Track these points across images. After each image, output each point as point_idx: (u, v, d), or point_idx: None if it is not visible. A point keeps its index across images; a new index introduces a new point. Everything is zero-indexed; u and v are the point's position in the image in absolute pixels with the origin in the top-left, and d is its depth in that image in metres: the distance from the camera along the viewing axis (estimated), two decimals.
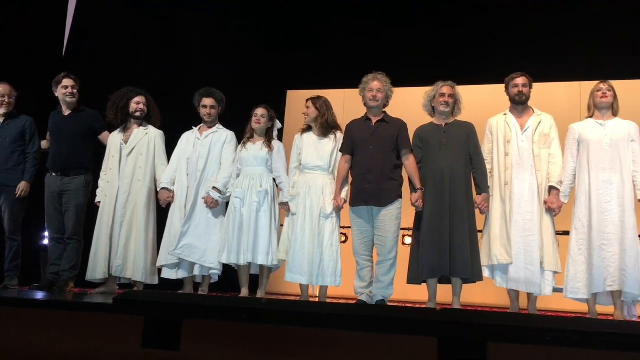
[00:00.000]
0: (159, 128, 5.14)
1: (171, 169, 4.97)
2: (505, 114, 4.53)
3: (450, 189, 4.24)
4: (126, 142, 4.98)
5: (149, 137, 5.02)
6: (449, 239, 4.17)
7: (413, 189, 4.34)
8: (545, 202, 4.32)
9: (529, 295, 4.37)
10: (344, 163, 4.48)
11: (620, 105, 4.42)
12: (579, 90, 6.52)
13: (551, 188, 4.34)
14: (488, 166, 4.46)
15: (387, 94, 4.49)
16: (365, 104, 4.52)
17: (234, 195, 4.73)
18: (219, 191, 4.80)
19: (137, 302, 3.11)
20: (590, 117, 4.41)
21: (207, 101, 5.01)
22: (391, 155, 4.36)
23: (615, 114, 4.36)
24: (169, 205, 4.93)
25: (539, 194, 4.32)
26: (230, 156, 4.91)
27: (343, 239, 7.06)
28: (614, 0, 6.60)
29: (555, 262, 4.28)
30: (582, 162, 4.29)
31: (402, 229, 6.77)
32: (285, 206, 4.67)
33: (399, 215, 4.38)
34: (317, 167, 4.59)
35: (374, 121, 4.45)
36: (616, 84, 4.49)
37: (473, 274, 4.21)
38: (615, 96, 4.34)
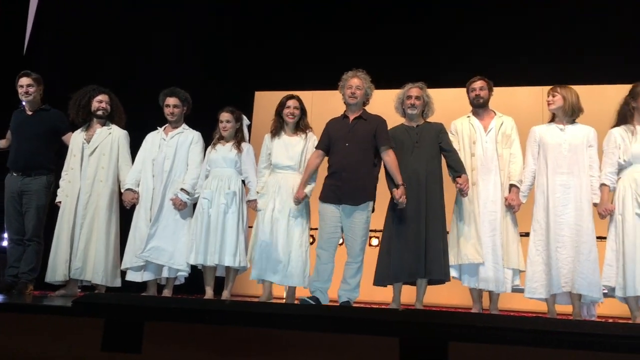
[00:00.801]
0: (124, 128, 5.06)
1: (135, 169, 4.90)
2: (468, 117, 4.61)
3: (427, 191, 4.27)
4: (88, 142, 4.88)
5: (112, 137, 4.93)
6: (424, 242, 4.19)
7: (393, 184, 4.26)
8: (506, 199, 4.40)
9: (491, 295, 4.45)
10: (315, 158, 4.47)
11: (585, 110, 4.49)
12: (542, 95, 6.65)
13: (511, 186, 4.42)
14: None
15: (367, 91, 4.45)
16: (344, 102, 4.48)
17: (202, 197, 4.70)
18: (187, 192, 4.75)
19: (97, 305, 3.06)
20: (552, 121, 4.48)
21: (171, 100, 4.96)
22: (368, 153, 4.30)
23: (574, 118, 4.42)
24: (133, 206, 4.85)
25: (502, 193, 4.42)
26: (197, 157, 4.87)
27: (311, 240, 7.19)
28: (579, 6, 6.72)
29: (517, 260, 4.38)
30: (541, 165, 4.37)
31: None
32: (252, 203, 4.64)
33: (370, 216, 4.35)
34: (287, 167, 4.60)
35: (351, 118, 4.41)
36: (581, 89, 4.56)
37: (445, 274, 4.28)
38: (565, 99, 4.38)
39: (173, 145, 4.89)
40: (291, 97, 4.74)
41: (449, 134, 4.56)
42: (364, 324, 2.85)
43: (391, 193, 4.30)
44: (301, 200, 4.47)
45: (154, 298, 3.82)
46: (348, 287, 4.29)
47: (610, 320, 4.38)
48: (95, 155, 4.84)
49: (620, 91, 4.52)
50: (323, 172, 4.50)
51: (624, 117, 4.27)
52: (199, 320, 3.03)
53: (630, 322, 4.06)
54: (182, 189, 4.75)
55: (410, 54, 6.96)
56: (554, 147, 4.31)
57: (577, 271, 4.10)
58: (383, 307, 4.83)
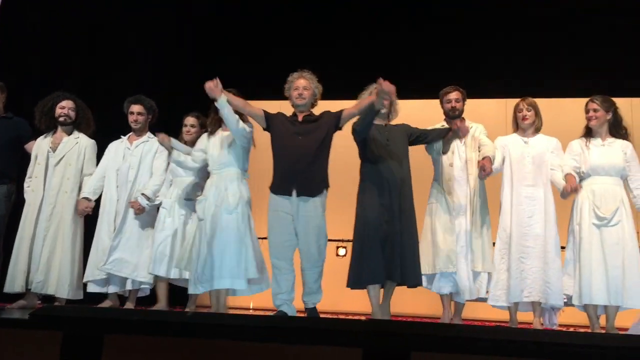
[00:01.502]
0: (91, 136, 4.94)
1: (95, 178, 4.78)
2: (442, 126, 4.57)
3: (401, 194, 4.16)
4: (54, 151, 4.75)
5: (79, 146, 4.82)
6: (399, 245, 4.06)
7: (372, 113, 4.02)
8: (479, 162, 4.36)
9: (456, 305, 4.47)
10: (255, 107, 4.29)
11: (548, 123, 4.55)
12: (505, 107, 6.76)
13: (485, 157, 4.36)
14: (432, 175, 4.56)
15: (315, 91, 4.29)
16: (292, 104, 4.31)
17: (161, 206, 4.63)
18: (148, 198, 4.66)
19: (55, 317, 3.00)
20: (515, 132, 4.54)
21: (135, 108, 4.86)
22: (321, 147, 4.12)
23: (538, 130, 4.48)
24: (93, 217, 4.76)
25: (475, 198, 4.44)
26: (162, 165, 4.78)
27: (343, 252, 7.01)
28: (543, 20, 6.84)
29: (491, 264, 4.37)
30: (505, 176, 4.42)
31: (334, 240, 6.88)
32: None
33: (324, 215, 4.15)
34: (222, 165, 4.29)
35: (300, 117, 4.25)
36: (543, 102, 4.61)
37: (419, 279, 4.20)
38: (537, 113, 4.44)
39: (137, 155, 4.78)
40: (188, 114, 4.72)
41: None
42: (327, 334, 2.85)
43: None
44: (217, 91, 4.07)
45: (114, 310, 3.76)
46: (311, 291, 4.14)
47: (571, 329, 4.46)
48: (60, 166, 4.72)
49: (578, 104, 4.60)
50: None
51: (587, 131, 4.34)
52: (160, 332, 2.99)
53: (589, 331, 4.13)
54: (142, 194, 4.64)
55: (372, 67, 6.99)
56: (518, 160, 4.35)
57: (544, 280, 4.16)
58: (350, 316, 4.85)
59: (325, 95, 4.44)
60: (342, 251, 6.89)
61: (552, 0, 6.76)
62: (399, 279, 4.11)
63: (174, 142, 4.54)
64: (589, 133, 4.31)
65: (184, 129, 4.72)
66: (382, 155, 4.20)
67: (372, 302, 4.17)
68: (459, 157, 4.45)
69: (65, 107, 4.83)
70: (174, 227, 4.54)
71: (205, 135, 4.48)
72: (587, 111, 4.28)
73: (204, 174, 4.55)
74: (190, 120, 4.74)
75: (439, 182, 4.46)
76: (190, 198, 4.56)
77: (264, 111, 4.26)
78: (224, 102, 4.09)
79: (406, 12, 7.14)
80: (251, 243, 4.11)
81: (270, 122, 4.24)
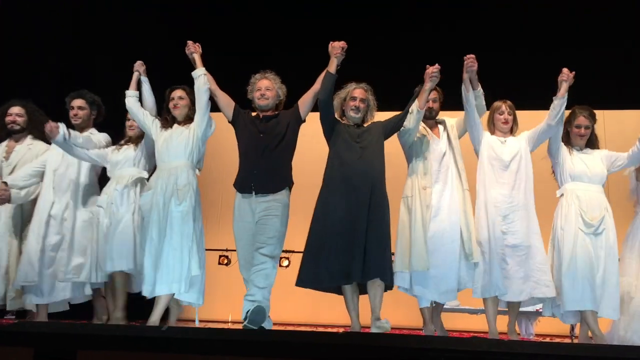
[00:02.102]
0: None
1: (28, 169, 4.47)
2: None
3: (371, 193, 3.87)
4: (7, 159, 4.57)
5: (32, 153, 4.60)
6: (364, 242, 3.76)
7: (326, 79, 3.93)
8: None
9: (435, 308, 4.20)
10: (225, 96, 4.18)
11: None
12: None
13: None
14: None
15: (278, 92, 4.16)
16: (254, 106, 4.15)
17: (97, 204, 4.34)
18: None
19: (26, 334, 2.96)
20: (492, 133, 4.31)
21: (76, 102, 4.55)
22: (282, 144, 4.00)
23: (512, 132, 4.33)
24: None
25: (459, 199, 4.18)
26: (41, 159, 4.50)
27: (286, 263, 6.86)
28: (511, 31, 6.86)
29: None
30: (482, 175, 4.20)
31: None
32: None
33: (287, 208, 3.98)
34: (173, 156, 4.09)
35: (262, 116, 4.12)
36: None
37: (388, 277, 3.82)
38: (514, 117, 4.30)
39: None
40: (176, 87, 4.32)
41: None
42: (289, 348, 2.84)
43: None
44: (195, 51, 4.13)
45: (87, 325, 3.68)
46: (256, 289, 3.78)
47: (547, 340, 4.48)
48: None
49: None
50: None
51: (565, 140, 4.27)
52: (135, 347, 2.96)
53: (569, 341, 4.09)
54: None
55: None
56: (496, 160, 4.17)
57: (529, 277, 3.95)
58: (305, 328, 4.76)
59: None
60: (285, 262, 6.83)
61: None
62: (360, 277, 3.74)
63: (73, 135, 4.28)
64: (568, 142, 4.25)
65: (171, 103, 4.26)
66: (351, 149, 3.97)
67: (349, 307, 3.87)
68: (437, 147, 4.21)
69: (12, 114, 4.62)
70: (108, 225, 4.19)
71: (157, 124, 4.23)
72: (578, 126, 4.20)
73: (147, 167, 4.37)
74: (178, 92, 4.27)
75: (416, 175, 4.19)
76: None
77: (235, 103, 4.18)
78: (203, 72, 4.08)
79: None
80: (196, 240, 3.93)
81: (237, 116, 4.14)
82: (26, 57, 6.08)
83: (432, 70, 4.00)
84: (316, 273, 3.75)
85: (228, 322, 6.89)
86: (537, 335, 4.71)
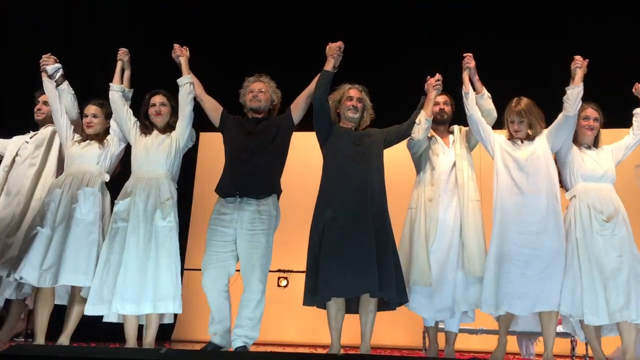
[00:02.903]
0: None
1: None
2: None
3: (370, 196, 3.72)
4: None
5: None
6: (374, 256, 3.55)
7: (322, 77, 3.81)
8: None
9: (447, 335, 3.99)
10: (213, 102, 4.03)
11: None
12: None
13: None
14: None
15: (272, 96, 4.01)
16: (246, 110, 4.01)
17: (47, 198, 4.04)
18: None
19: (23, 357, 2.93)
20: (509, 138, 4.02)
21: (42, 97, 4.33)
22: (272, 147, 3.85)
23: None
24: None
25: (464, 212, 3.97)
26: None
27: (284, 282, 6.87)
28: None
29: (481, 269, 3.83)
30: (500, 183, 3.91)
31: (276, 270, 6.62)
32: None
33: (274, 220, 3.80)
34: (153, 164, 3.91)
35: (251, 117, 3.97)
36: None
37: (399, 294, 3.61)
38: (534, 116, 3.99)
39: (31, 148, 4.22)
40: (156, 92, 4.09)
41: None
42: None
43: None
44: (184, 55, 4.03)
45: (85, 348, 3.59)
46: (245, 327, 3.64)
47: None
48: None
49: None
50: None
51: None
52: None
53: None
54: None
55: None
56: (512, 164, 3.90)
57: (540, 289, 3.67)
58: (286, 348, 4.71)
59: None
60: (283, 282, 6.81)
61: None
62: (375, 290, 3.49)
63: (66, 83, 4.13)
64: (576, 140, 3.99)
65: (152, 109, 4.02)
66: (350, 157, 3.79)
67: (331, 325, 3.66)
68: (446, 157, 4.03)
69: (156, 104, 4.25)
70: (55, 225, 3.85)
71: (137, 127, 4.02)
72: (586, 117, 3.95)
73: (109, 169, 4.08)
74: (159, 98, 4.04)
75: (422, 186, 4.03)
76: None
77: (224, 108, 4.03)
78: (189, 79, 3.96)
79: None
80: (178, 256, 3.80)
81: (225, 121, 4.00)
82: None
83: (435, 81, 3.94)
84: (315, 288, 3.56)
85: None
86: (537, 355, 4.66)
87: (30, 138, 4.31)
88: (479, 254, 3.83)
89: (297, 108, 3.97)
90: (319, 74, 3.90)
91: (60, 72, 4.16)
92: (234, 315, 3.77)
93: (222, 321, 3.70)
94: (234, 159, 3.85)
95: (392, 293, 3.55)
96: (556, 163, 3.99)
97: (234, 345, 3.64)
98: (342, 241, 3.58)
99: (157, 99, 4.02)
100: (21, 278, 3.70)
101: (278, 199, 3.90)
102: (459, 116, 4.19)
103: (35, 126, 4.42)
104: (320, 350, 5.66)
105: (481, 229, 3.92)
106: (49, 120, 4.31)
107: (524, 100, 3.95)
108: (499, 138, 4.00)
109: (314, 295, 3.56)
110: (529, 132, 3.95)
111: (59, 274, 3.69)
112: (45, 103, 4.31)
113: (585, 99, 3.90)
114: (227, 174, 3.87)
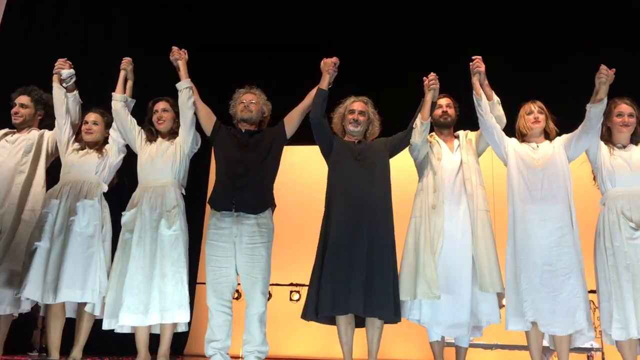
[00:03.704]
0: None
1: None
2: (431, 134, 4.05)
3: (370, 211, 3.65)
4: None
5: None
6: (364, 272, 3.51)
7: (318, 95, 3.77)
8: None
9: (457, 350, 3.83)
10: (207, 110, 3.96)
11: None
12: None
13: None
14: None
15: (263, 108, 3.95)
16: (237, 121, 3.95)
17: (45, 208, 3.96)
18: None
19: None
20: (523, 141, 3.88)
21: (19, 99, 4.14)
22: (266, 161, 3.79)
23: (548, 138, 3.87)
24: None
25: (473, 220, 3.81)
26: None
27: (297, 296, 6.88)
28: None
29: (499, 282, 3.70)
30: (514, 190, 3.76)
31: (288, 285, 6.64)
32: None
33: (272, 233, 3.75)
34: (159, 173, 3.87)
35: (244, 130, 3.90)
36: None
37: (395, 313, 3.56)
38: (548, 118, 3.86)
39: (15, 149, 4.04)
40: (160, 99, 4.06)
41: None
42: None
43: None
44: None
45: None
46: (255, 342, 3.62)
47: None
48: None
49: None
50: None
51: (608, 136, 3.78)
52: None
53: None
54: None
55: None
56: (526, 170, 3.73)
57: (565, 309, 3.48)
58: None
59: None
60: (296, 296, 6.83)
61: None
62: (362, 311, 3.49)
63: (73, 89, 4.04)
64: (609, 139, 3.74)
65: (155, 116, 4.00)
66: (351, 171, 3.74)
67: (342, 340, 3.64)
68: (449, 162, 3.87)
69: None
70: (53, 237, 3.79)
71: (143, 135, 3.99)
72: (620, 114, 3.68)
73: (107, 179, 4.03)
74: (162, 104, 4.00)
75: (425, 192, 3.87)
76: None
77: (217, 118, 3.96)
78: (188, 84, 3.91)
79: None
80: (186, 264, 3.75)
81: (217, 131, 3.93)
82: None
83: (429, 80, 3.81)
84: (316, 304, 3.52)
85: (239, 358, 6.83)
86: None
87: (10, 136, 4.10)
88: (489, 267, 3.67)
89: (291, 123, 3.92)
90: (314, 89, 3.85)
91: (74, 78, 4.09)
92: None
93: (223, 340, 3.63)
94: (230, 173, 3.75)
95: (384, 314, 3.52)
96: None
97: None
98: (336, 262, 3.54)
99: (160, 106, 3.98)
100: (27, 298, 3.67)
101: (272, 212, 3.83)
102: (465, 120, 4.08)
103: (8, 127, 4.19)
104: None
105: (491, 241, 3.75)
106: (26, 123, 4.15)
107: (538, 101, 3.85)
108: (513, 142, 3.85)
109: (306, 311, 3.58)
110: (546, 129, 3.80)
111: (57, 289, 3.65)
112: (23, 106, 4.13)
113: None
114: (222, 186, 3.77)
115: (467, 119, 4.08)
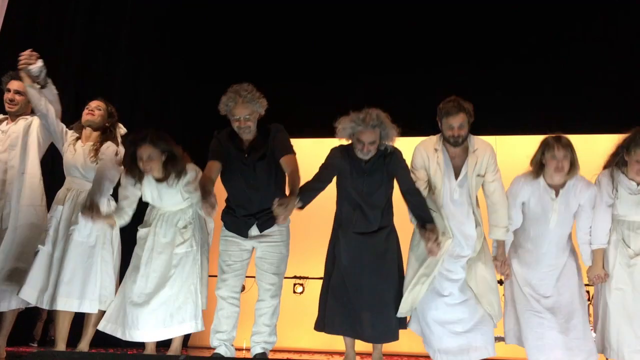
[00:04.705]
0: None
1: None
2: (436, 149, 3.85)
3: (375, 235, 3.65)
4: None
5: None
6: (367, 297, 3.58)
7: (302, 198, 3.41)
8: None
9: None
10: (211, 168, 3.60)
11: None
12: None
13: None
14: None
15: (258, 111, 3.64)
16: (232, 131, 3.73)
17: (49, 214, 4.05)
18: None
19: None
20: (538, 176, 3.68)
21: (13, 84, 3.91)
22: (276, 181, 3.69)
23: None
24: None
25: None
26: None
27: (300, 289, 6.90)
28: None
29: (497, 308, 3.72)
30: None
31: (291, 277, 6.62)
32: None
33: (288, 237, 3.75)
34: (171, 207, 3.83)
35: (246, 143, 3.69)
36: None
37: (393, 336, 3.66)
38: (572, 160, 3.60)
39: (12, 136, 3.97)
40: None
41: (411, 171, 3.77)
42: None
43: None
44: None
45: (102, 355, 3.61)
46: (264, 333, 3.66)
47: None
48: None
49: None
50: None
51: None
52: None
53: None
54: None
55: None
56: (540, 221, 3.65)
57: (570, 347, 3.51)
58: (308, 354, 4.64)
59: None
60: (299, 288, 6.83)
61: None
62: (363, 339, 3.65)
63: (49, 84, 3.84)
64: (623, 171, 3.62)
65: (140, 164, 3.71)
66: (352, 197, 3.67)
67: (346, 343, 3.77)
68: (450, 197, 3.73)
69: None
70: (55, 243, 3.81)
71: (139, 185, 3.79)
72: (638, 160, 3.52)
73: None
74: (143, 152, 3.65)
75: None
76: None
77: (218, 163, 3.64)
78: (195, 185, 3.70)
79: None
80: (201, 275, 3.77)
81: (224, 167, 3.68)
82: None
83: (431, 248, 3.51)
84: (323, 318, 3.67)
85: (243, 349, 6.86)
86: None
87: (6, 124, 3.98)
88: (490, 293, 3.68)
89: (282, 163, 3.59)
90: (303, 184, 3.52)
91: (44, 70, 3.76)
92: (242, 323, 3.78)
93: (229, 331, 3.65)
94: (241, 199, 3.68)
95: (387, 339, 3.65)
96: None
97: (253, 352, 3.68)
98: (342, 285, 3.62)
99: (143, 153, 3.63)
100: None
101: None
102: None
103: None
104: (336, 358, 5.68)
105: (490, 263, 3.74)
106: (22, 111, 3.96)
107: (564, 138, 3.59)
108: (525, 195, 3.68)
109: (319, 325, 3.71)
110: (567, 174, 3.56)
111: (54, 296, 3.67)
112: (19, 93, 3.91)
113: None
114: (234, 211, 3.70)
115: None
